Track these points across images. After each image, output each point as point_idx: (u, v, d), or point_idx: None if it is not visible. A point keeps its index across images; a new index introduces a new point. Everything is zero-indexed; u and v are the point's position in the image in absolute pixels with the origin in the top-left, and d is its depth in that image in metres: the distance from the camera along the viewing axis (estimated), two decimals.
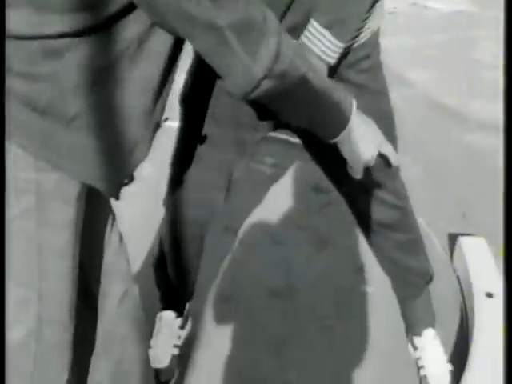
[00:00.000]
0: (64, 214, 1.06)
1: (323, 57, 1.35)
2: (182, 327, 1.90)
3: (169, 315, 1.89)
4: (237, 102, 1.32)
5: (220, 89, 1.46)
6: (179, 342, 1.89)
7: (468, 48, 4.20)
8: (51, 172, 1.00)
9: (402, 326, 1.98)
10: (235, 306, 2.09)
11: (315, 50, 1.34)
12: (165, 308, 1.91)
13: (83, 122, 0.98)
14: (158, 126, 1.12)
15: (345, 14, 1.36)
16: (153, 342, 1.86)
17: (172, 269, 1.82)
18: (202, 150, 1.57)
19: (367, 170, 1.20)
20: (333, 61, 1.37)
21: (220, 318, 2.04)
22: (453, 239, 2.36)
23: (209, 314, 2.05)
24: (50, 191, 1.02)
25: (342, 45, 1.36)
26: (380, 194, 1.65)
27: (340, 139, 1.12)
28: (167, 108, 1.10)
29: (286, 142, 2.55)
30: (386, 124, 1.53)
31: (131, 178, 1.14)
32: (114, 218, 1.25)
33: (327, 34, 1.33)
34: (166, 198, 1.77)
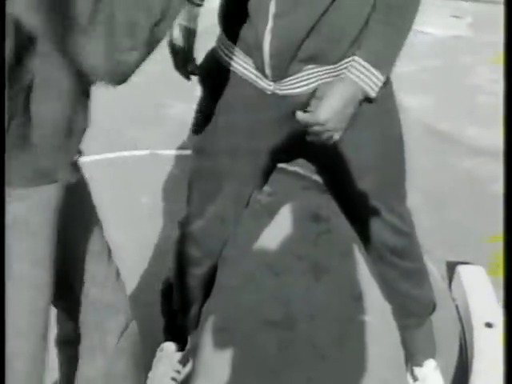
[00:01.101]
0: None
1: (370, 91, 1.41)
2: (182, 363, 1.90)
3: (170, 347, 1.89)
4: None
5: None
6: (178, 376, 1.88)
7: (464, 73, 4.21)
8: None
9: (401, 356, 1.97)
10: (233, 337, 2.08)
11: (363, 85, 1.40)
12: (167, 339, 1.90)
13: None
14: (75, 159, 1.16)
15: (389, 51, 1.43)
16: (151, 373, 1.86)
17: (177, 299, 1.83)
18: (216, 181, 1.59)
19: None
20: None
21: (218, 349, 2.03)
22: (451, 267, 2.35)
23: (206, 344, 2.04)
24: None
25: (384, 77, 1.42)
26: (388, 217, 1.64)
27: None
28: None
29: (283, 170, 2.56)
30: (399, 146, 1.58)
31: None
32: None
33: (375, 71, 1.40)
34: (179, 222, 1.78)
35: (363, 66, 1.40)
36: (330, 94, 1.39)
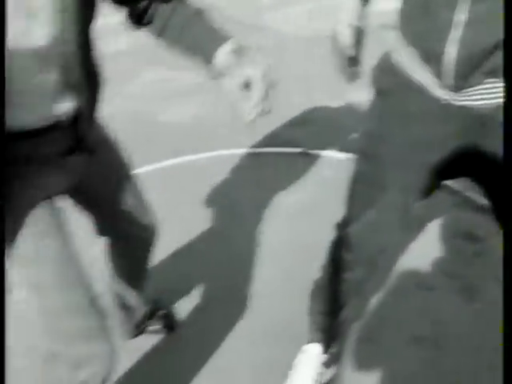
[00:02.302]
0: None
1: None
2: (325, 366, 1.89)
3: (314, 349, 1.89)
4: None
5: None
6: (320, 379, 1.87)
7: None
8: None
9: None
10: (377, 348, 2.05)
11: None
12: (312, 340, 1.91)
13: None
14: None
15: None
16: (293, 372, 1.87)
17: (326, 301, 1.83)
18: (379, 187, 1.57)
19: None
20: None
21: (361, 358, 2.01)
22: None
23: (349, 353, 2.02)
24: None
25: None
26: None
27: None
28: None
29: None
30: None
31: None
32: None
33: None
34: (336, 224, 1.77)
35: None
36: None
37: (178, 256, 2.48)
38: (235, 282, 2.36)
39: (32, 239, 1.27)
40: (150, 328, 2.12)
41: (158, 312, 2.15)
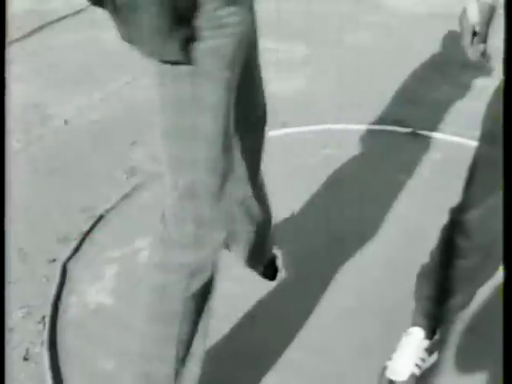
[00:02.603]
0: None
1: None
2: (428, 352, 1.84)
3: (418, 333, 1.84)
4: None
5: None
6: (422, 364, 1.83)
7: None
8: None
9: None
10: (479, 339, 1.97)
11: None
12: (416, 324, 1.86)
13: None
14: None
15: None
16: (395, 354, 1.84)
17: (434, 286, 1.77)
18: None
19: None
20: None
21: (462, 350, 1.95)
22: None
23: (453, 340, 1.96)
24: None
25: None
26: None
27: None
28: None
29: None
30: None
31: None
32: None
33: None
34: (451, 209, 1.71)
35: None
36: None
37: (279, 224, 2.48)
38: (335, 259, 2.33)
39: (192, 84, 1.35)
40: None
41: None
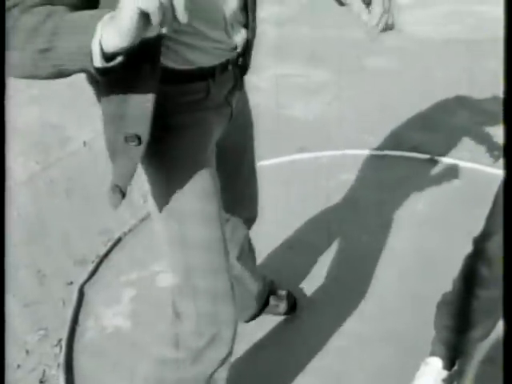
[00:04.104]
0: None
1: None
2: (447, 382, 1.82)
3: (436, 363, 1.82)
4: None
5: None
6: None
7: None
8: None
9: None
10: (499, 372, 1.94)
11: None
12: (435, 354, 1.84)
13: None
14: None
15: None
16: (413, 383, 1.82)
17: (455, 316, 1.75)
18: None
19: None
20: None
21: (483, 380, 1.91)
22: None
23: (472, 373, 1.93)
24: None
25: None
26: None
27: None
28: None
29: None
30: None
31: None
32: None
33: None
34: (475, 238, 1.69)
35: None
36: None
37: (295, 248, 2.47)
38: (352, 285, 2.32)
39: (195, 197, 1.31)
40: (271, 305, 2.15)
41: (279, 292, 2.17)
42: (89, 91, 1.26)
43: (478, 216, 1.66)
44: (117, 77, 0.97)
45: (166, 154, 1.28)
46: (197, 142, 1.30)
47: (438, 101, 3.59)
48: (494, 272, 1.63)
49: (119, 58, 0.93)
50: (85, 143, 3.36)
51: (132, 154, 1.18)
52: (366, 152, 3.14)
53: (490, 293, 1.66)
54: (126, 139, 1.16)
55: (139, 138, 1.15)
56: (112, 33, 0.89)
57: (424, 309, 1.95)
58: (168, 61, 1.17)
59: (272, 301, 2.16)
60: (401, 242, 2.52)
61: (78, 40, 0.92)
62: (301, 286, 2.32)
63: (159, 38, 1.05)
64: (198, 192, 1.31)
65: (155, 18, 0.86)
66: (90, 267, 2.45)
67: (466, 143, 3.18)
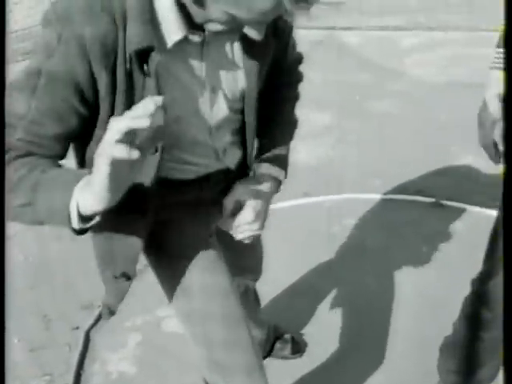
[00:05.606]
0: None
1: None
2: None
3: None
4: None
5: None
6: None
7: None
8: None
9: None
10: None
11: None
12: None
13: None
14: None
15: None
16: None
17: (458, 359, 1.74)
18: None
19: None
20: None
21: None
22: None
23: None
24: None
25: None
26: None
27: None
28: None
29: None
30: None
31: None
32: None
33: None
34: (473, 280, 1.70)
35: None
36: None
37: (302, 294, 2.47)
38: (356, 330, 2.31)
39: (200, 273, 1.34)
40: (277, 348, 2.17)
41: (284, 336, 2.19)
42: None
43: (481, 259, 1.67)
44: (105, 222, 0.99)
45: (164, 247, 1.37)
46: (196, 232, 1.37)
47: (442, 144, 3.62)
48: (495, 313, 1.62)
49: (97, 218, 0.96)
50: None
51: (121, 286, 1.32)
52: (371, 196, 3.16)
53: (493, 333, 1.65)
54: (116, 277, 1.29)
55: (128, 276, 1.29)
56: (87, 197, 0.91)
57: (428, 351, 1.94)
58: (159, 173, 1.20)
59: (277, 344, 2.17)
60: (404, 286, 2.52)
61: (56, 199, 0.94)
62: (304, 331, 2.31)
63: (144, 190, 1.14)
64: (206, 267, 1.36)
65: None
66: (96, 312, 2.45)
67: (471, 186, 3.20)
